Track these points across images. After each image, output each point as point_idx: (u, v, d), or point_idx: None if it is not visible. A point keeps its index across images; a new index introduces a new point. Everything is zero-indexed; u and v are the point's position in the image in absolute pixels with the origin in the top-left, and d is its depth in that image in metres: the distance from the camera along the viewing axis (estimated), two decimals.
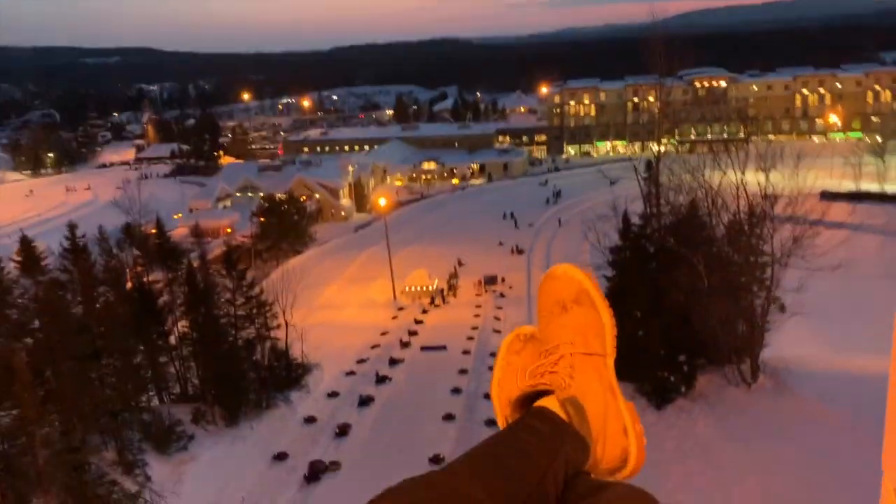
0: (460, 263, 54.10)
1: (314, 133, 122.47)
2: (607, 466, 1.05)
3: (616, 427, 1.07)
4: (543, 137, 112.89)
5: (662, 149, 39.59)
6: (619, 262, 29.97)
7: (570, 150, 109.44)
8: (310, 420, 30.49)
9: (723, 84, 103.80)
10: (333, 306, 46.34)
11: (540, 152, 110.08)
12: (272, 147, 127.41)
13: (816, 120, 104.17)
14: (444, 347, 37.83)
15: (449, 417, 29.17)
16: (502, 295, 47.32)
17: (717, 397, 25.42)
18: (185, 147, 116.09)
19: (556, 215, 70.50)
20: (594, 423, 1.07)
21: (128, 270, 34.88)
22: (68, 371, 23.84)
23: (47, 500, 21.30)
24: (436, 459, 25.10)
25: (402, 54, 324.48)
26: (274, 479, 25.97)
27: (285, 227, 61.37)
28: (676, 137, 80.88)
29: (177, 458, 26.34)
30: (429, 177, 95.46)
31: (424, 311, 45.76)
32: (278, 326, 33.83)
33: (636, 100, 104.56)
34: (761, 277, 26.88)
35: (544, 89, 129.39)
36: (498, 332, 39.17)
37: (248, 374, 31.29)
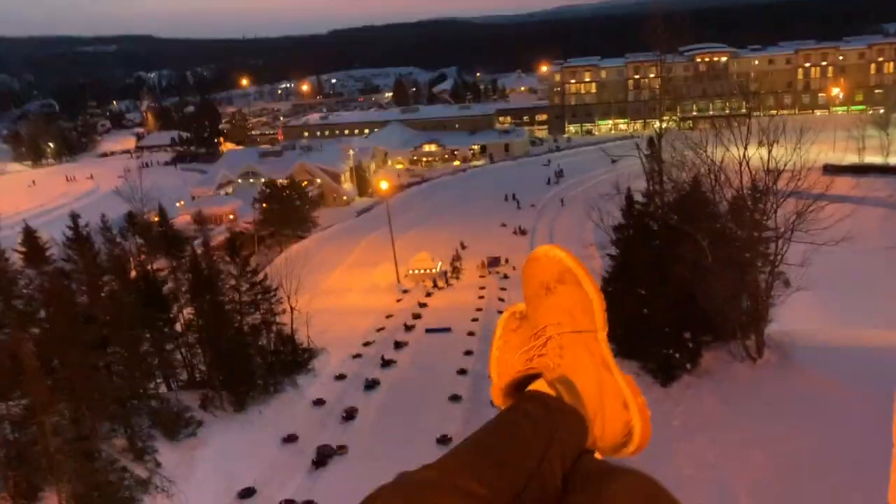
0: (463, 246, 54.10)
1: (314, 118, 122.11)
2: (611, 443, 1.03)
3: (614, 402, 1.05)
4: (544, 117, 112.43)
5: (664, 125, 39.39)
6: (622, 240, 29.95)
7: (572, 128, 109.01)
8: (318, 402, 30.71)
9: (724, 59, 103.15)
10: (337, 291, 46.44)
11: (541, 132, 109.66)
12: (272, 133, 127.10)
13: (819, 93, 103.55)
14: (448, 329, 37.93)
15: (455, 398, 29.32)
16: (506, 276, 47.34)
17: (723, 373, 25.48)
18: (185, 134, 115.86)
19: (558, 195, 70.37)
20: (589, 401, 1.06)
21: (132, 259, 34.96)
22: (76, 360, 23.93)
23: (59, 488, 21.51)
24: (443, 440, 25.27)
25: (400, 36, 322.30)
26: (284, 461, 26.18)
27: (287, 213, 61.42)
28: (678, 114, 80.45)
29: (186, 443, 26.52)
30: (430, 159, 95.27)
31: (428, 294, 45.83)
32: (283, 312, 33.94)
33: (637, 77, 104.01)
34: (765, 252, 26.82)
35: (544, 68, 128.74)
36: (502, 312, 39.20)
37: (254, 360, 31.45)
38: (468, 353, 34.07)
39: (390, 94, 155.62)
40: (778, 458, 19.30)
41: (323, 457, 26.10)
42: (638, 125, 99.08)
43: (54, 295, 25.90)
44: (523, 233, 57.87)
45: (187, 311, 32.37)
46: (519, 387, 1.12)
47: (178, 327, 32.17)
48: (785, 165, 26.79)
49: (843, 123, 76.60)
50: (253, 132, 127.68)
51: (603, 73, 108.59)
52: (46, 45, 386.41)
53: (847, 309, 31.96)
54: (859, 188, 47.52)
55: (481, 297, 43.83)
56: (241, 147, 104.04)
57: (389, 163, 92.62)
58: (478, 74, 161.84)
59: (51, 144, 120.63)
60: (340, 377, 33.21)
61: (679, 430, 21.84)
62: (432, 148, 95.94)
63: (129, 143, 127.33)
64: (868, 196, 48.36)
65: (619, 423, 1.03)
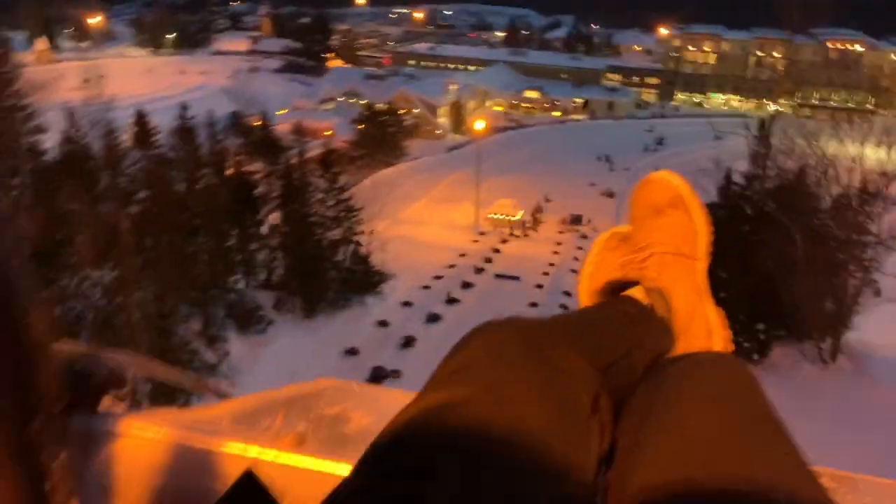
0: (547, 199, 53.64)
1: (422, 47, 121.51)
2: None
3: (701, 329, 1.06)
4: (655, 80, 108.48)
5: (780, 109, 37.58)
6: (713, 219, 29.10)
7: (681, 97, 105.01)
8: (382, 324, 31.65)
9: (859, 48, 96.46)
10: (417, 222, 47.08)
11: (649, 95, 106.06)
12: (380, 56, 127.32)
13: None
14: (517, 278, 38.07)
15: None
16: (584, 236, 46.83)
17: (791, 371, 24.88)
18: (297, 45, 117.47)
19: (654, 163, 68.45)
20: (679, 319, 1.06)
21: (230, 157, 36.31)
22: (166, 243, 25.39)
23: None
24: None
25: None
26: (341, 372, 27.32)
27: (382, 138, 62.06)
28: (797, 99, 76.34)
29: (255, 339, 27.97)
30: (530, 106, 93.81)
31: (504, 241, 45.94)
32: (362, 233, 34.82)
33: (761, 54, 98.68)
34: (861, 257, 25.73)
35: (664, 30, 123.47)
36: (574, 272, 39.04)
37: (329, 273, 32.54)
38: (533, 304, 34.22)
39: (502, 33, 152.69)
40: (838, 465, 18.89)
41: (377, 378, 27.06)
42: (752, 104, 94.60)
43: (155, 178, 27.34)
44: (611, 195, 56.84)
45: (274, 216, 33.61)
46: (613, 291, 1.15)
47: (264, 230, 33.49)
48: None
49: None
50: (361, 52, 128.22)
51: (724, 45, 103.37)
52: None
53: None
54: None
55: (556, 253, 43.66)
56: (348, 66, 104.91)
57: (488, 103, 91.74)
58: (594, 27, 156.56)
59: (170, 35, 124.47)
60: (407, 304, 34.02)
61: None
62: (534, 95, 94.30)
63: (243, 45, 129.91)
64: None
65: (701, 349, 1.04)
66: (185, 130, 32.63)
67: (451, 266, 39.92)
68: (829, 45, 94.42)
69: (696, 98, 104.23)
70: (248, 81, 47.66)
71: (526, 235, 47.88)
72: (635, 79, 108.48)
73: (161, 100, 75.53)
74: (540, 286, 36.97)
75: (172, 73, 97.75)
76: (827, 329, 25.48)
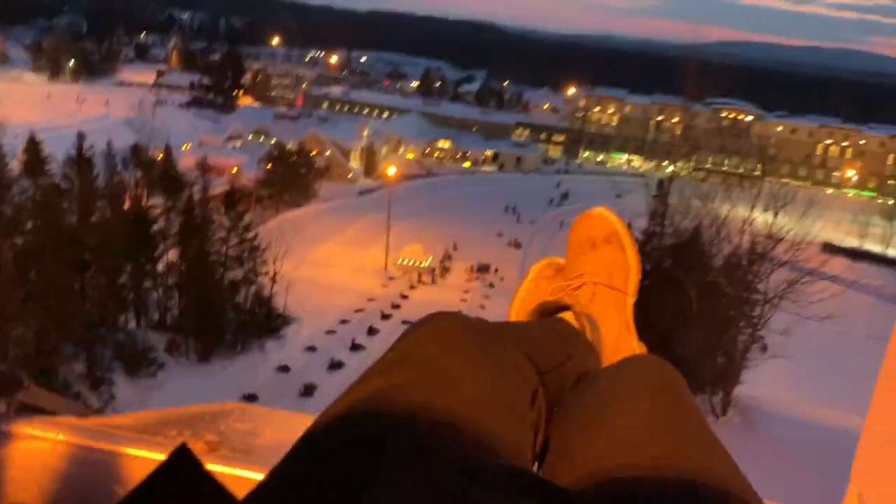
0: (455, 248, 54.12)
1: (336, 91, 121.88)
2: None
3: None
4: (562, 138, 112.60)
5: (677, 171, 39.56)
6: None
7: (586, 154, 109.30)
8: (283, 369, 30.66)
9: (748, 119, 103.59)
10: (324, 265, 46.38)
11: (555, 152, 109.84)
12: (292, 97, 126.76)
13: (834, 172, 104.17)
14: None
15: None
16: (492, 285, 47.38)
17: None
18: (205, 80, 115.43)
19: (559, 216, 70.52)
20: (606, 347, 1.08)
21: (128, 191, 34.84)
22: (53, 277, 23.88)
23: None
24: None
25: (437, 30, 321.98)
26: None
27: (291, 178, 61.24)
28: (693, 162, 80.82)
29: (144, 383, 26.49)
30: (441, 155, 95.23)
31: (412, 287, 45.86)
32: (265, 274, 33.91)
33: (660, 118, 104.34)
34: (749, 314, 27.02)
35: (571, 90, 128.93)
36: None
37: (228, 314, 31.41)
38: None
39: (416, 83, 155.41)
40: None
41: None
42: (652, 165, 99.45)
43: (45, 209, 25.81)
44: (518, 246, 57.95)
45: (172, 254, 32.31)
46: (544, 314, 1.15)
47: (160, 267, 32.10)
48: (786, 234, 27.05)
49: (851, 206, 77.15)
50: (273, 92, 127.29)
51: (627, 108, 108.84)
52: None
53: (816, 385, 32.16)
54: (853, 272, 47.85)
55: (464, 301, 43.86)
56: (258, 104, 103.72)
57: (401, 150, 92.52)
58: (505, 83, 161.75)
59: (71, 62, 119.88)
60: (311, 348, 33.18)
61: None
62: (446, 145, 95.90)
63: (149, 77, 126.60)
64: (860, 281, 48.63)
65: None
66: (81, 161, 31.08)
67: (359, 311, 39.38)
68: (723, 113, 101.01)
69: (600, 156, 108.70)
70: (153, 114, 46.18)
71: (434, 282, 47.97)
72: (543, 135, 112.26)
73: (58, 128, 72.11)
74: None
75: (72, 102, 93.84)
76: (719, 383, 26.47)
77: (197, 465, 0.47)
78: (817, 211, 29.59)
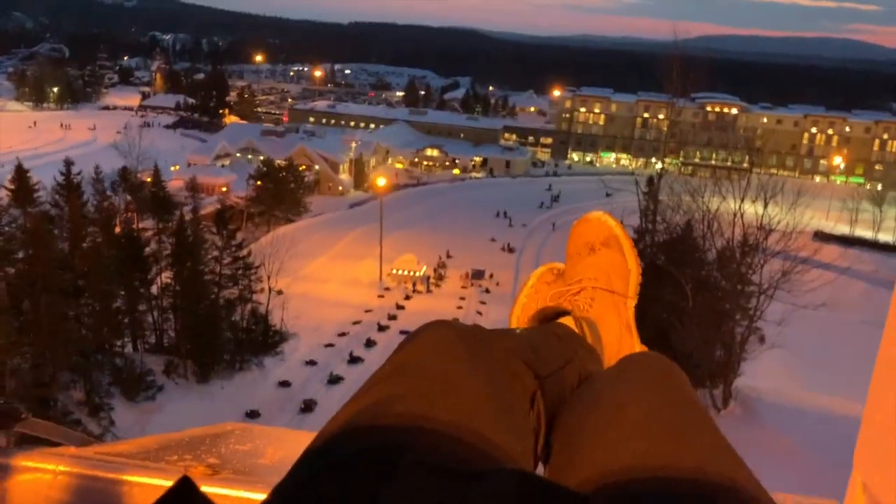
0: (449, 255, 54.14)
1: (322, 104, 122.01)
2: None
3: None
4: (549, 140, 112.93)
5: (666, 167, 39.75)
6: None
7: (574, 156, 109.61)
8: (284, 384, 30.61)
9: (734, 112, 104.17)
10: (318, 279, 46.33)
11: (544, 154, 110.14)
12: (278, 113, 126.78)
13: (821, 160, 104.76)
14: None
15: None
16: (487, 290, 47.42)
17: None
18: (191, 100, 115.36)
19: (551, 219, 70.67)
20: (607, 350, 1.09)
21: (118, 215, 34.74)
22: (47, 305, 23.75)
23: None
24: None
25: (420, 38, 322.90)
26: None
27: (281, 194, 61.18)
28: (681, 158, 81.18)
29: (144, 406, 26.36)
30: (430, 164, 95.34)
31: (407, 297, 45.82)
32: (261, 291, 33.85)
33: (646, 115, 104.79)
34: (745, 306, 27.09)
35: (556, 93, 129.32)
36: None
37: (224, 334, 31.32)
38: None
39: (401, 93, 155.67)
40: None
41: None
42: (640, 163, 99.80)
43: (36, 237, 25.69)
44: (511, 250, 58.02)
45: (166, 276, 32.21)
46: (544, 320, 1.16)
47: (154, 290, 31.99)
48: (777, 224, 27.15)
49: (840, 193, 77.54)
50: (259, 109, 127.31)
51: (613, 107, 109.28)
52: None
53: (815, 374, 32.27)
54: (845, 258, 48.05)
55: (460, 308, 43.87)
56: (244, 122, 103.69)
57: (390, 161, 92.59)
58: (490, 88, 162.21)
59: (55, 89, 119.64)
60: (310, 363, 33.11)
61: None
62: (434, 153, 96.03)
63: (134, 100, 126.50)
64: (852, 267, 48.88)
65: None
66: (69, 187, 30.99)
67: (356, 322, 39.34)
68: (708, 108, 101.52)
69: (588, 157, 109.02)
70: (139, 137, 46.12)
71: (430, 291, 47.95)
72: (531, 138, 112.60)
73: (45, 155, 71.96)
74: None
75: (57, 128, 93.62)
76: (718, 376, 26.50)
77: (199, 496, 0.48)
78: (807, 200, 29.72)
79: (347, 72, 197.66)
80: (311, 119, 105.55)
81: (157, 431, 24.95)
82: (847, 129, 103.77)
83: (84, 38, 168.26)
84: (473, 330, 0.83)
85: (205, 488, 0.86)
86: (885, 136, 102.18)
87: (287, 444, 1.12)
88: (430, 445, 0.61)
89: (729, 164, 72.72)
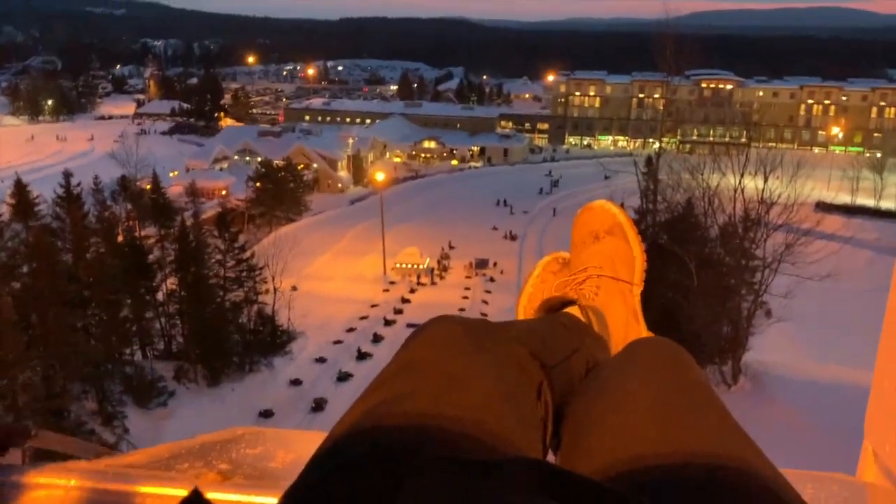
0: (451, 246, 54.14)
1: (316, 102, 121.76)
2: None
3: None
4: (546, 126, 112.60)
5: (663, 146, 39.67)
6: None
7: (572, 140, 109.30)
8: (295, 382, 30.72)
9: (729, 87, 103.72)
10: (322, 277, 46.38)
11: (541, 140, 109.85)
12: (273, 113, 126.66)
13: (819, 131, 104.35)
14: None
15: None
16: (492, 279, 47.42)
17: None
18: (185, 106, 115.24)
19: (551, 204, 70.57)
20: (614, 337, 1.10)
21: (120, 224, 34.79)
22: (54, 318, 23.83)
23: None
24: None
25: (410, 31, 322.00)
26: None
27: (280, 194, 61.19)
28: (679, 136, 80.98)
29: (156, 412, 26.48)
30: (428, 156, 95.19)
31: (412, 290, 45.85)
32: (266, 292, 33.90)
33: (641, 95, 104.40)
34: (750, 281, 27.08)
35: (550, 77, 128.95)
36: (485, 315, 39.34)
37: (232, 336, 31.40)
38: None
39: (395, 87, 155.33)
40: None
41: None
42: (638, 143, 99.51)
43: (39, 251, 25.74)
44: (513, 238, 57.99)
45: (171, 282, 32.28)
46: (551, 309, 1.17)
47: (160, 297, 32.06)
48: (778, 198, 27.10)
49: (840, 163, 77.31)
50: (254, 110, 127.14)
51: (608, 89, 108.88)
52: (55, 1, 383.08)
53: (823, 345, 32.27)
54: (848, 228, 48.01)
55: (465, 298, 43.90)
56: (240, 124, 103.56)
57: (388, 155, 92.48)
58: (484, 77, 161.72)
59: (49, 101, 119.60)
60: (320, 360, 33.22)
61: None
62: (432, 145, 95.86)
63: (129, 108, 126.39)
64: (856, 237, 48.81)
65: None
66: (70, 199, 31.02)
67: (363, 318, 39.41)
68: (704, 84, 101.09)
69: (586, 140, 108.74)
70: (136, 144, 46.13)
71: (434, 283, 47.97)
72: (527, 125, 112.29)
73: (43, 168, 72.03)
74: None
75: (54, 140, 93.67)
76: (726, 352, 26.53)
77: None
78: (807, 171, 29.64)
79: (340, 68, 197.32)
80: (307, 117, 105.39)
81: (170, 437, 25.07)
82: (844, 98, 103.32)
83: (76, 49, 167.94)
84: (478, 323, 0.84)
85: (217, 495, 0.91)
86: (882, 104, 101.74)
87: (298, 446, 1.13)
88: (437, 442, 0.61)
89: (727, 139, 72.47)
